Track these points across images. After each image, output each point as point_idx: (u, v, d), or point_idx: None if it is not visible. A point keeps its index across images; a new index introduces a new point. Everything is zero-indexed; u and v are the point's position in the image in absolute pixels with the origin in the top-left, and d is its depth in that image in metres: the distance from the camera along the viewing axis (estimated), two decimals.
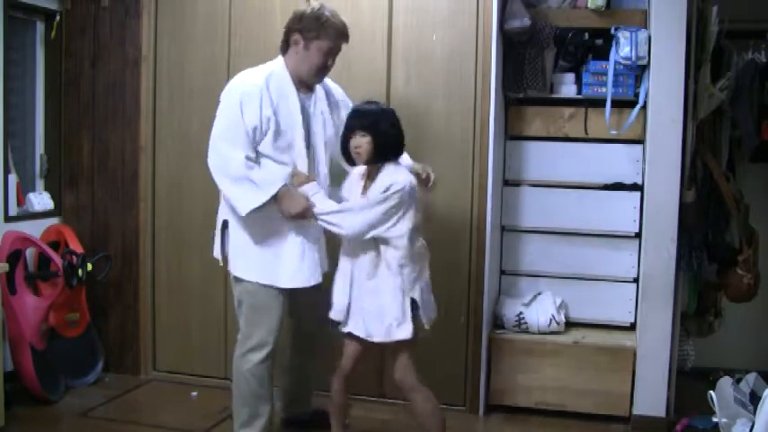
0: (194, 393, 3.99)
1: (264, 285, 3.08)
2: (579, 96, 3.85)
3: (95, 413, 3.75)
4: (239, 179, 2.96)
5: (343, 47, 3.16)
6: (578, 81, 3.86)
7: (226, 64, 3.90)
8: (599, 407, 3.71)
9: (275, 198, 2.96)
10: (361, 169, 3.05)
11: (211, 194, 3.33)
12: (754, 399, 3.23)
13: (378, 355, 3.28)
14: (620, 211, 3.85)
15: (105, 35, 4.14)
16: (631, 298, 3.87)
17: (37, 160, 4.28)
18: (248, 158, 2.97)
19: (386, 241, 2.88)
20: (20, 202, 4.05)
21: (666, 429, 3.57)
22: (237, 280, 3.14)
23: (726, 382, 3.34)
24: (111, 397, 3.94)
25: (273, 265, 3.07)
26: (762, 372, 3.61)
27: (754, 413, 2.78)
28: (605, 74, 3.71)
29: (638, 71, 3.67)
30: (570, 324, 3.93)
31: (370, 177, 2.98)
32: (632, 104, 3.69)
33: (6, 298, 3.64)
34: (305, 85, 3.15)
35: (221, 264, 3.21)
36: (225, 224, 3.13)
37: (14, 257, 3.74)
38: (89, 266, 3.94)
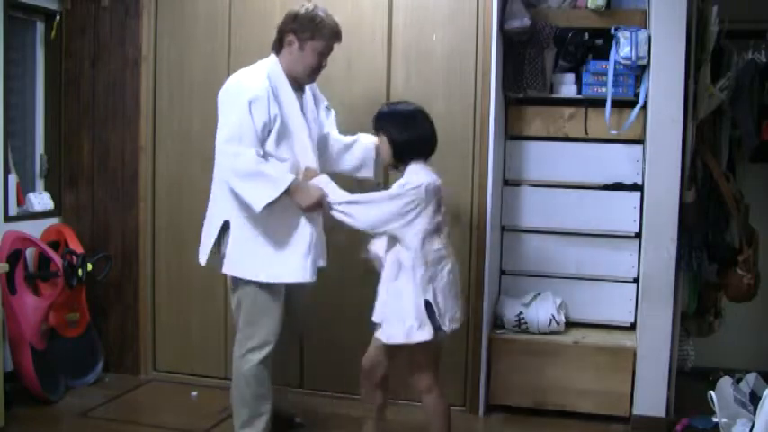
0: (194, 393, 3.99)
1: (265, 284, 3.07)
2: (579, 96, 3.85)
3: (95, 413, 3.75)
4: (251, 175, 2.93)
5: (342, 45, 3.16)
6: (578, 81, 3.86)
7: (226, 64, 3.90)
8: (599, 407, 3.71)
9: (287, 192, 2.94)
10: None
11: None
12: (754, 399, 3.23)
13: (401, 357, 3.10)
14: (620, 211, 3.85)
15: (105, 35, 4.14)
16: (631, 298, 3.87)
17: (37, 160, 4.27)
18: (258, 155, 2.96)
19: (400, 241, 2.86)
20: (20, 202, 4.05)
21: (666, 429, 3.57)
22: (237, 280, 3.13)
23: (726, 382, 3.34)
24: (111, 397, 3.94)
25: (278, 261, 3.06)
26: (762, 372, 3.61)
27: (754, 413, 2.78)
28: (605, 74, 3.71)
29: (638, 71, 3.67)
30: (570, 324, 3.92)
31: None
32: (632, 104, 3.69)
33: (6, 298, 3.64)
34: (296, 84, 3.16)
35: (204, 264, 3.18)
36: (225, 225, 3.11)
37: (14, 257, 3.73)
38: (89, 266, 3.94)
